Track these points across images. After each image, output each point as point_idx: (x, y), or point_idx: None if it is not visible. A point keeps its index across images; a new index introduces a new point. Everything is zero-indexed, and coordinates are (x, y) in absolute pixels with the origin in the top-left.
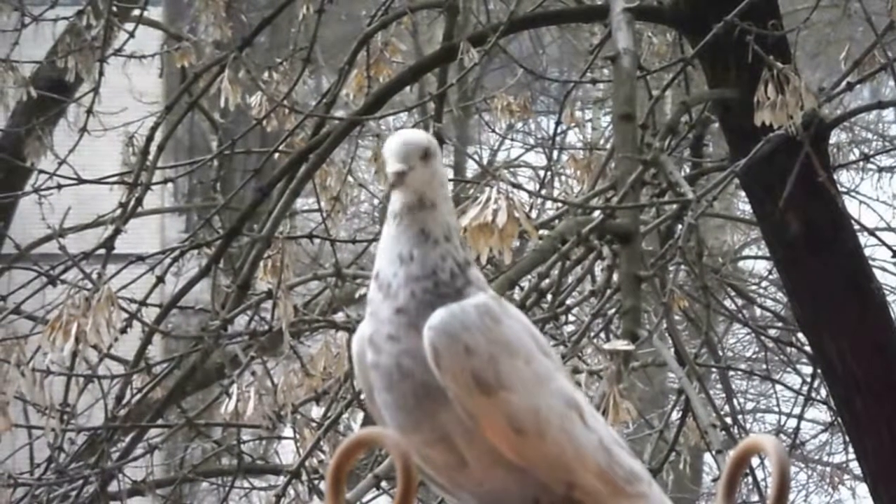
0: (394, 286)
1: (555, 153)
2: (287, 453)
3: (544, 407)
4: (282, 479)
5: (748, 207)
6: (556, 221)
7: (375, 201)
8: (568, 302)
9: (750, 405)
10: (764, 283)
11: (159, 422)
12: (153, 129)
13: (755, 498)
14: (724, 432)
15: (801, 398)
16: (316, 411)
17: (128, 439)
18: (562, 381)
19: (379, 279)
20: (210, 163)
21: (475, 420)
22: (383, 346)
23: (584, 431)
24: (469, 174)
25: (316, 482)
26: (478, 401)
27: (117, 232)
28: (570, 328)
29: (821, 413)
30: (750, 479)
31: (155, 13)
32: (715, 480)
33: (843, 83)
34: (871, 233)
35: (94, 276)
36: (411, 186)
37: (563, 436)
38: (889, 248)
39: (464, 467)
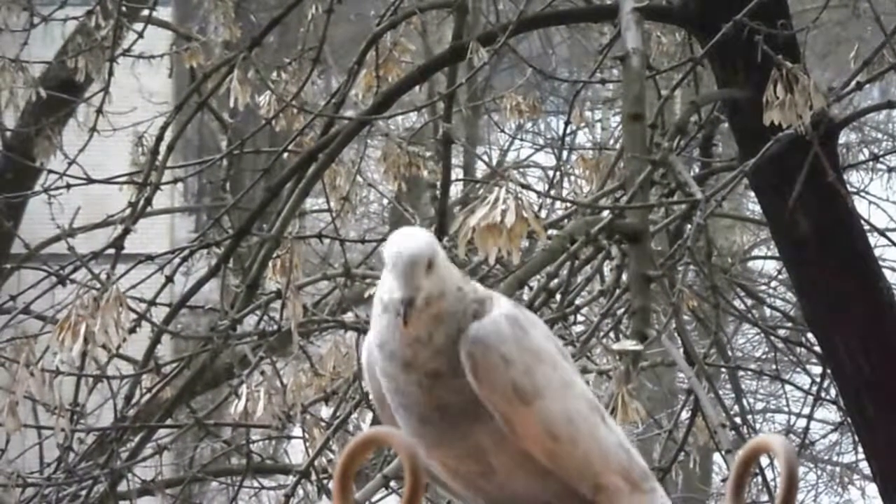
0: (417, 362)
1: (564, 153)
2: (296, 453)
3: (573, 411)
4: (291, 479)
5: (758, 207)
6: (566, 221)
7: (385, 201)
8: (577, 302)
9: (760, 405)
10: (773, 284)
11: (169, 422)
12: (163, 129)
13: (765, 498)
14: (733, 432)
15: (810, 398)
16: (325, 411)
17: (137, 439)
18: (582, 384)
19: (386, 350)
20: (219, 162)
21: (513, 429)
22: (411, 392)
23: (607, 432)
24: (478, 174)
25: (325, 482)
26: (517, 410)
27: (126, 232)
28: (579, 328)
29: (830, 413)
30: (760, 479)
31: (164, 13)
32: (724, 480)
33: (853, 83)
34: (881, 233)
35: (103, 276)
36: (422, 313)
37: (590, 438)
38: None
39: (491, 475)
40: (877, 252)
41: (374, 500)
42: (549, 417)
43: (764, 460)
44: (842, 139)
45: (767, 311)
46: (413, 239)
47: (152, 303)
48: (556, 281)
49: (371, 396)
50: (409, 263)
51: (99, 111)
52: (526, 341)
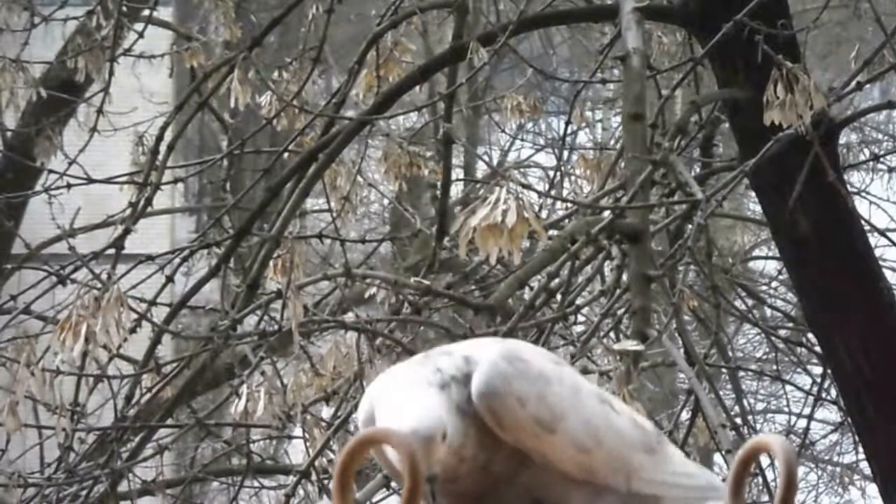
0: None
1: (565, 153)
2: (297, 453)
3: (591, 416)
4: (291, 479)
5: (758, 207)
6: (566, 221)
7: (385, 201)
8: (577, 302)
9: (760, 405)
10: (774, 284)
11: (169, 422)
12: (163, 129)
13: (765, 498)
14: (733, 432)
15: (810, 398)
16: (326, 411)
17: (137, 439)
18: (582, 379)
19: None
20: (220, 162)
21: (546, 459)
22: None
23: (619, 418)
24: (479, 174)
25: (326, 482)
26: (546, 440)
27: (127, 232)
28: (579, 328)
29: (831, 413)
30: (760, 479)
31: (165, 13)
32: (724, 480)
33: (853, 83)
34: (882, 233)
35: (104, 276)
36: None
37: (612, 434)
38: None
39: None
40: (877, 252)
41: (374, 500)
42: (575, 434)
43: (765, 460)
44: (842, 139)
45: (768, 312)
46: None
47: (153, 303)
48: (556, 281)
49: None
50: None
51: (99, 111)
52: (529, 371)
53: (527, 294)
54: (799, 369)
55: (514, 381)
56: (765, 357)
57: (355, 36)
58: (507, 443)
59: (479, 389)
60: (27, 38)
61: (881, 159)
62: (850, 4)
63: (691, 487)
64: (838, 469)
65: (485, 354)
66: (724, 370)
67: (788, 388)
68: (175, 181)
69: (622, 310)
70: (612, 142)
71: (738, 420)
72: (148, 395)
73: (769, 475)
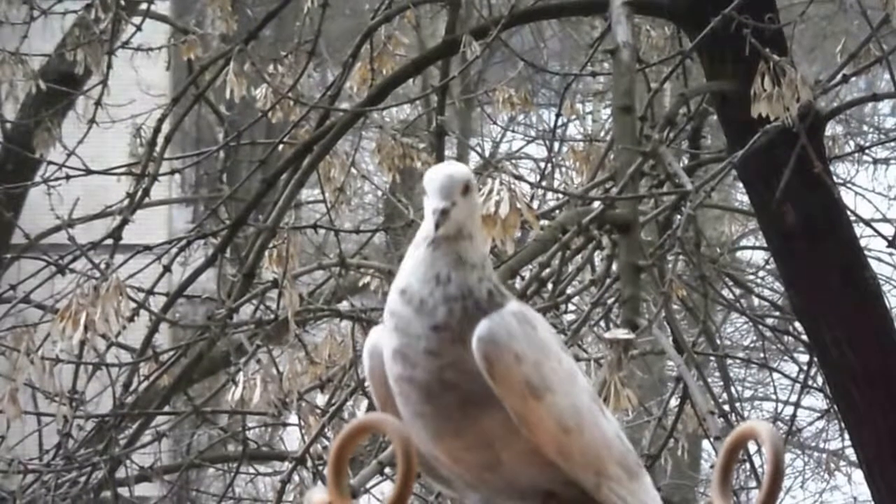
0: (429, 304)
1: (555, 145)
2: (292, 440)
3: (580, 404)
4: (287, 466)
5: (746, 198)
6: (557, 212)
7: (379, 192)
8: (568, 291)
9: (748, 393)
10: (761, 273)
11: (166, 409)
12: (160, 121)
13: (752, 484)
14: (721, 419)
15: (797, 386)
16: (320, 398)
17: (135, 426)
18: (582, 376)
19: (407, 295)
20: (216, 154)
21: (526, 424)
22: (419, 360)
23: (606, 423)
24: (471, 166)
25: (321, 468)
26: (530, 405)
27: (125, 222)
28: (570, 317)
29: (817, 401)
30: (748, 465)
31: (162, 7)
32: (713, 466)
33: (839, 76)
34: (867, 223)
35: (103, 265)
36: (454, 221)
37: (595, 430)
38: (884, 238)
39: (498, 466)
40: (863, 242)
41: (369, 485)
42: (560, 411)
43: (752, 447)
44: (828, 131)
45: (755, 301)
46: (452, 165)
47: (150, 292)
48: (547, 270)
49: (374, 398)
50: (448, 178)
51: (97, 103)
52: (535, 337)
53: (518, 283)
54: (786, 357)
55: (518, 340)
56: (752, 345)
57: (350, 30)
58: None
59: (482, 333)
60: (26, 31)
61: (866, 151)
62: None
63: None
64: (824, 455)
65: (508, 307)
66: (712, 358)
67: (775, 375)
68: (172, 172)
69: (612, 299)
70: (602, 134)
71: (726, 407)
72: (146, 383)
73: (756, 461)
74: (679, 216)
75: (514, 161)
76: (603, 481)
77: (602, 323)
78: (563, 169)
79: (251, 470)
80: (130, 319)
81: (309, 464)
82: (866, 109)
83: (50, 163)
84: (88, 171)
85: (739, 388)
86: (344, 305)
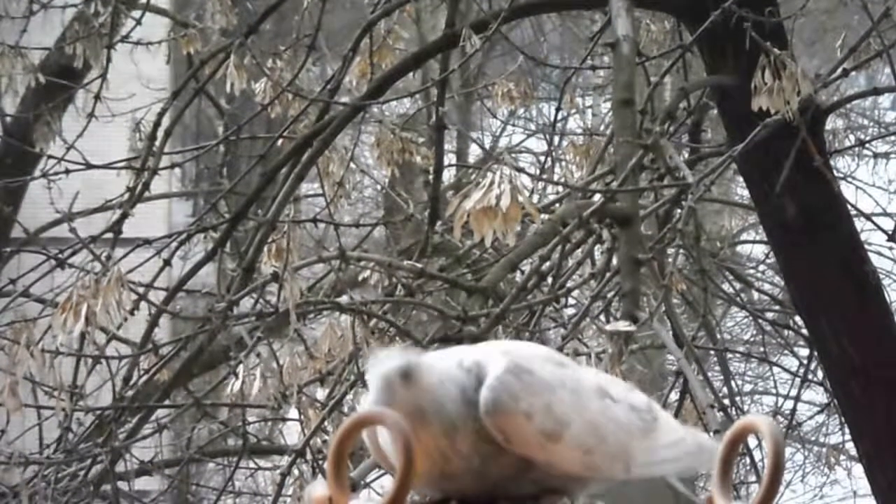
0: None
1: (555, 139)
2: (292, 434)
3: (593, 416)
4: (286, 459)
5: (746, 192)
6: (557, 205)
7: (378, 186)
8: (568, 284)
9: (748, 387)
10: (761, 267)
11: (166, 402)
12: (160, 115)
13: (752, 478)
14: (721, 413)
15: (797, 380)
16: (320, 392)
17: (135, 419)
18: (581, 372)
19: None
20: (216, 148)
21: (549, 464)
22: None
23: (617, 408)
24: (471, 159)
25: (320, 462)
26: (551, 450)
27: (125, 216)
28: (570, 311)
29: (817, 395)
30: (748, 459)
31: (162, 1)
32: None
33: (839, 70)
34: (867, 217)
35: (104, 258)
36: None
37: (613, 427)
38: (884, 232)
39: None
40: (863, 236)
41: (369, 479)
42: (580, 438)
43: (752, 441)
44: (828, 125)
45: (755, 295)
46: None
47: (150, 286)
48: (547, 264)
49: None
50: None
51: (97, 97)
52: (535, 383)
53: (518, 277)
54: (786, 351)
55: (522, 397)
56: (752, 339)
57: (349, 23)
58: (512, 452)
59: (488, 407)
60: (26, 24)
61: (867, 145)
62: None
63: (681, 457)
64: (824, 449)
65: (492, 367)
66: (712, 352)
67: (775, 369)
68: (172, 166)
69: (612, 292)
70: (602, 127)
71: (726, 401)
72: (146, 377)
73: (757, 455)
74: (679, 210)
75: (514, 155)
76: (631, 463)
77: (602, 317)
78: (563, 163)
79: (251, 464)
80: (130, 313)
81: (309, 457)
82: (867, 103)
83: (49, 157)
84: (88, 165)
85: (739, 383)
86: (344, 299)
